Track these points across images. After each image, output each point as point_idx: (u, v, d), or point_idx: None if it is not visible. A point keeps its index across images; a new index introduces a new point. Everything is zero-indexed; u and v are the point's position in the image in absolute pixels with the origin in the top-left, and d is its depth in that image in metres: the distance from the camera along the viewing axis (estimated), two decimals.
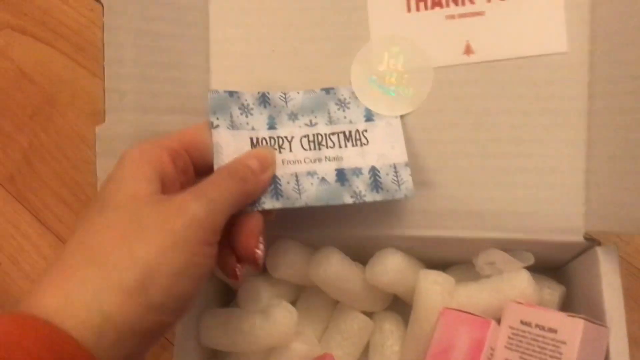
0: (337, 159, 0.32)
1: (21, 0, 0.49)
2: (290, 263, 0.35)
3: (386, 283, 0.35)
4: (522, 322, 0.32)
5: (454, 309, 0.34)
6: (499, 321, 0.32)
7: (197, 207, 0.25)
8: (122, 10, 0.29)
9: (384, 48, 0.31)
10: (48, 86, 0.47)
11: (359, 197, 0.31)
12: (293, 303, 0.37)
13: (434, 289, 0.34)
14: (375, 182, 0.31)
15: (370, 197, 0.31)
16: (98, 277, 0.22)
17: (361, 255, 0.36)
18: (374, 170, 0.32)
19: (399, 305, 0.37)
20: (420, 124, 0.32)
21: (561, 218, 0.32)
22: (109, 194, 0.25)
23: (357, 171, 0.32)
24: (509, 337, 0.32)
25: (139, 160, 0.26)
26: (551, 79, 0.32)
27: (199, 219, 0.25)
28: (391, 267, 0.34)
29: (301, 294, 0.38)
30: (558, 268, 0.37)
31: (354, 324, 0.36)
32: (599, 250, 0.32)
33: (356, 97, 0.32)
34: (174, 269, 0.24)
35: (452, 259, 0.37)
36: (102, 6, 0.27)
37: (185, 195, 0.25)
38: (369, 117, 0.32)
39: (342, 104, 0.32)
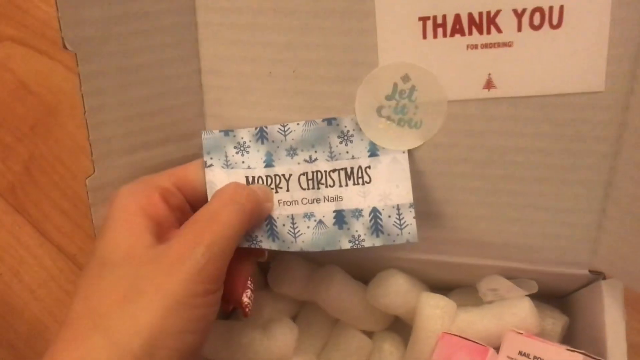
0: (337, 199, 0.31)
1: (22, 12, 0.48)
2: (292, 279, 0.35)
3: (387, 305, 0.35)
4: (520, 353, 0.32)
5: (452, 334, 0.34)
6: (499, 349, 0.32)
7: (195, 259, 0.24)
8: (98, 51, 0.27)
9: (393, 76, 0.29)
10: (48, 97, 0.47)
11: (357, 241, 0.30)
12: (293, 318, 0.37)
13: (435, 313, 0.34)
14: (376, 224, 0.30)
15: (369, 241, 0.30)
16: (106, 346, 0.23)
17: (364, 274, 0.36)
18: (375, 212, 0.30)
19: (400, 326, 0.37)
20: (428, 156, 0.31)
21: (568, 253, 0.32)
22: (105, 250, 0.25)
23: (357, 213, 0.31)
24: None
25: (130, 207, 0.26)
26: (579, 118, 0.29)
27: (198, 271, 0.24)
28: (392, 289, 0.34)
29: (302, 309, 0.38)
30: (562, 297, 0.37)
31: (353, 343, 0.36)
32: (603, 284, 0.31)
33: (360, 129, 0.30)
34: (178, 329, 0.24)
35: (456, 282, 0.36)
36: (75, 55, 0.26)
37: (181, 247, 0.25)
38: (374, 151, 0.31)
39: (344, 137, 0.31)
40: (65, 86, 0.47)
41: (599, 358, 0.30)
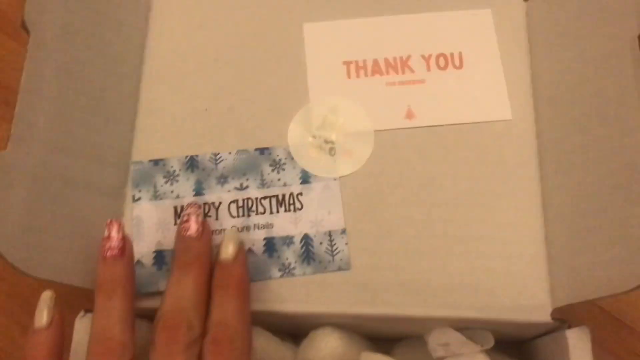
0: (267, 226, 0.32)
1: None
2: None
3: None
4: None
5: None
6: None
7: None
8: (46, 44, 0.30)
9: (323, 110, 0.34)
10: None
11: (287, 270, 0.31)
12: None
13: None
14: (307, 251, 0.31)
15: (300, 270, 0.31)
16: None
17: (295, 329, 0.32)
18: (306, 239, 0.32)
19: None
20: (360, 188, 0.32)
21: (524, 294, 0.30)
22: None
23: (287, 240, 0.32)
24: None
25: None
26: (497, 144, 0.33)
27: None
28: (327, 352, 0.30)
29: None
30: (521, 342, 0.33)
31: None
32: (569, 334, 0.29)
33: (292, 158, 0.33)
34: None
35: (401, 334, 0.32)
36: (28, 33, 0.29)
37: None
38: (305, 179, 0.33)
39: (276, 165, 0.33)
40: None
41: None
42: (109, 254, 0.28)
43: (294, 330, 0.32)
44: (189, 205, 0.29)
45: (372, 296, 0.31)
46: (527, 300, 0.30)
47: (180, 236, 0.29)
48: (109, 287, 0.27)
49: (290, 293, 0.31)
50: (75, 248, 0.30)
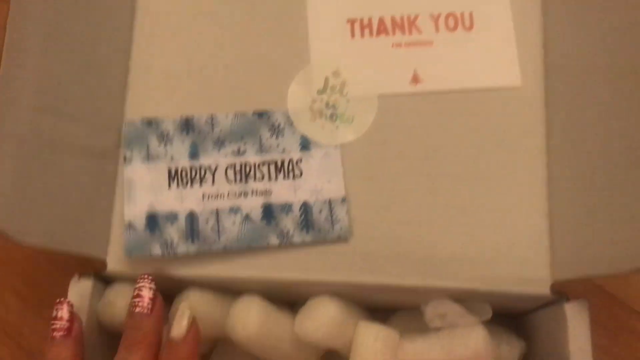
0: (266, 193, 0.31)
1: None
2: (201, 316, 0.30)
3: (319, 339, 0.30)
4: None
5: None
6: None
7: None
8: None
9: (325, 72, 0.32)
10: None
11: (286, 237, 0.30)
12: (206, 357, 0.32)
13: (375, 347, 0.30)
14: (306, 220, 0.31)
15: (299, 237, 0.30)
16: None
17: (293, 298, 0.32)
18: (305, 207, 0.31)
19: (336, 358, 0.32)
20: (362, 155, 0.32)
21: (524, 266, 0.30)
22: None
23: (286, 207, 0.31)
24: None
25: None
26: (505, 112, 0.32)
27: None
28: (324, 321, 0.30)
29: (215, 348, 0.32)
30: (519, 315, 0.34)
31: None
32: (567, 307, 0.29)
33: (292, 123, 0.32)
34: None
35: (399, 304, 0.33)
36: None
37: None
38: (305, 145, 0.32)
39: (275, 130, 0.32)
40: None
41: None
42: (55, 334, 0.27)
43: (292, 299, 0.32)
44: (141, 277, 0.28)
45: (371, 266, 0.31)
46: (527, 272, 0.30)
47: (130, 312, 0.28)
48: None
49: (289, 261, 0.31)
50: (66, 213, 0.30)
